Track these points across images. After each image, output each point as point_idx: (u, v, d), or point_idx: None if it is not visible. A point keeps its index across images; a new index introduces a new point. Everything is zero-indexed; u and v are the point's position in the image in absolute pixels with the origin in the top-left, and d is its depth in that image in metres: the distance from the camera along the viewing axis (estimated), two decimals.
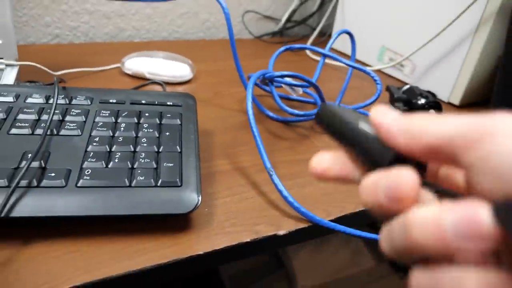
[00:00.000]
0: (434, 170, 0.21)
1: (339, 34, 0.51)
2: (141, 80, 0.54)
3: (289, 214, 0.34)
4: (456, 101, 0.59)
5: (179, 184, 0.31)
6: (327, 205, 0.35)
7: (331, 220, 0.34)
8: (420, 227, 0.15)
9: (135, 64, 0.55)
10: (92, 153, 0.32)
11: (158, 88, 0.54)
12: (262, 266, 0.74)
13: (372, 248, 0.80)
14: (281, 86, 0.49)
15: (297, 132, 0.47)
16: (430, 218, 0.15)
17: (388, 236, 0.17)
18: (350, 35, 0.52)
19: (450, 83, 0.59)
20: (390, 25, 0.66)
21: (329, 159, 0.20)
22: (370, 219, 0.38)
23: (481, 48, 0.54)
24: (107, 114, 0.36)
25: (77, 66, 0.54)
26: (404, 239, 0.16)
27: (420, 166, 0.19)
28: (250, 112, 0.38)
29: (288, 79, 0.46)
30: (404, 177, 0.16)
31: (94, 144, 0.33)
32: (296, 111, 0.44)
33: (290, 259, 0.74)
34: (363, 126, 0.20)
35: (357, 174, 0.20)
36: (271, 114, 0.48)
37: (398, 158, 0.18)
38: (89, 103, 0.37)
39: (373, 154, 0.19)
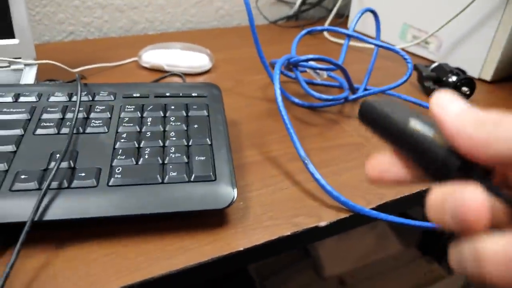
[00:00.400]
0: (502, 172, 0.17)
1: (362, 13, 0.49)
2: (160, 73, 0.53)
3: (328, 204, 0.32)
4: (487, 77, 0.56)
5: (213, 178, 0.30)
6: (365, 193, 0.34)
7: (373, 208, 0.32)
8: (493, 265, 0.14)
9: (153, 56, 0.54)
10: (120, 150, 0.31)
11: (177, 80, 0.52)
12: (288, 256, 0.73)
13: (399, 232, 0.79)
14: (306, 71, 0.48)
15: (325, 117, 0.45)
16: (501, 255, 0.14)
17: (459, 260, 0.15)
18: (374, 13, 0.50)
19: (481, 58, 0.56)
20: (412, 0, 0.63)
21: (385, 162, 0.18)
22: (410, 206, 0.36)
23: None
24: (132, 109, 0.35)
25: (94, 62, 0.53)
26: (477, 272, 0.14)
27: (488, 172, 0.16)
28: (279, 99, 0.36)
29: (313, 63, 0.44)
30: (473, 200, 0.14)
31: (122, 140, 0.32)
32: (324, 96, 0.42)
33: (316, 247, 0.73)
34: (416, 125, 0.17)
35: (417, 176, 0.18)
36: (297, 100, 0.46)
37: (466, 165, 0.15)
38: (113, 98, 0.36)
39: (433, 161, 0.16)
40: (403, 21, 0.66)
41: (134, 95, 0.37)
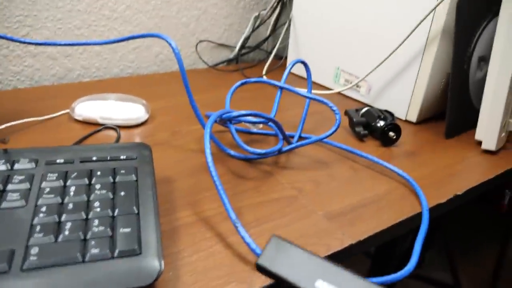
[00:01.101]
0: None
1: (293, 65, 0.51)
2: (93, 126, 0.52)
3: None
4: (413, 118, 0.60)
5: (139, 252, 0.29)
6: None
7: None
8: None
9: (86, 109, 0.53)
10: (39, 226, 0.29)
11: (112, 133, 0.51)
12: None
13: None
14: (241, 122, 0.48)
15: (261, 169, 0.46)
16: None
17: None
18: (305, 64, 0.52)
19: (406, 101, 0.60)
20: (343, 47, 0.67)
21: None
22: (347, 260, 0.37)
23: (430, 66, 0.56)
24: (54, 178, 0.33)
25: (22, 116, 0.50)
26: None
27: None
28: (209, 159, 0.36)
29: (247, 117, 0.45)
30: None
31: (41, 215, 0.30)
32: (257, 150, 0.43)
33: None
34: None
35: None
36: (232, 152, 0.47)
37: None
38: (34, 166, 0.35)
39: None
40: (336, 65, 0.69)
41: (58, 161, 0.35)
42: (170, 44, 0.42)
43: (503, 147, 0.55)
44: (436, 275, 1.23)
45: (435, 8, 0.52)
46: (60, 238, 0.29)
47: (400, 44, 0.56)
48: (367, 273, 1.09)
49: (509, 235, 1.02)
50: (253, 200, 0.40)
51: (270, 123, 0.52)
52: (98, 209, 0.31)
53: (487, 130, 0.52)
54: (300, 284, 0.17)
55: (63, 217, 0.30)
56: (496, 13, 0.56)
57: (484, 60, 0.59)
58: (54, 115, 0.54)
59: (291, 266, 0.17)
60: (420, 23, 0.54)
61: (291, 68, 0.51)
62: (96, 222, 0.30)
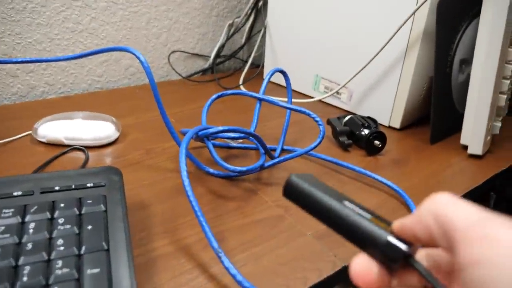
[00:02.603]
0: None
1: (271, 75, 0.48)
2: (59, 148, 0.48)
3: None
4: (396, 124, 0.59)
5: None
6: (288, 279, 0.31)
7: None
8: None
9: (50, 129, 0.48)
10: None
11: (80, 155, 0.47)
12: None
13: None
14: (219, 137, 0.45)
15: (243, 187, 0.43)
16: None
17: None
18: (284, 73, 0.49)
19: (388, 107, 0.58)
20: (321, 53, 0.65)
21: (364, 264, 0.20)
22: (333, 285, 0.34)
23: (412, 71, 0.54)
24: (10, 214, 0.29)
25: None
26: None
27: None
28: (187, 182, 0.33)
29: (226, 133, 0.42)
30: (354, 269, 0.20)
31: None
32: (238, 168, 0.40)
33: None
34: (350, 208, 0.20)
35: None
36: (211, 170, 0.44)
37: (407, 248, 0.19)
38: None
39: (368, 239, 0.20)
40: (315, 72, 0.67)
41: (15, 193, 0.31)
42: (138, 58, 0.39)
43: (488, 150, 0.54)
44: None
45: (415, 12, 0.51)
46: (18, 286, 0.25)
47: (381, 49, 0.55)
48: None
49: None
50: (236, 222, 0.37)
51: (250, 138, 0.49)
52: (62, 248, 0.27)
53: (473, 135, 0.51)
54: (331, 201, 0.20)
55: (21, 260, 0.26)
56: (476, 15, 0.55)
57: (466, 62, 0.58)
58: (15, 137, 0.49)
59: (318, 188, 0.21)
60: (400, 27, 0.52)
61: (269, 78, 0.48)
62: (60, 263, 0.26)
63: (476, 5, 0.51)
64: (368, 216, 0.20)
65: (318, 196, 0.21)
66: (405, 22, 0.52)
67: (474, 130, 0.50)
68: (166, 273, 0.31)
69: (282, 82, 0.75)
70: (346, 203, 0.20)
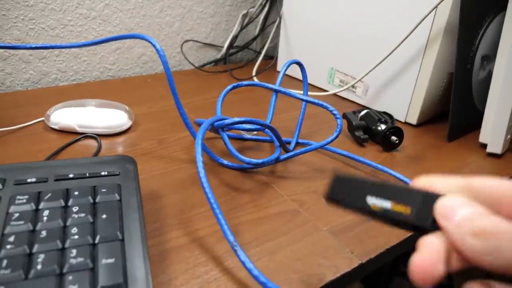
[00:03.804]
0: None
1: (288, 66, 0.47)
2: (71, 136, 0.47)
3: None
4: (413, 121, 0.57)
5: (124, 287, 0.25)
6: (303, 274, 0.31)
7: None
8: None
9: (63, 116, 0.48)
10: (5, 260, 0.25)
11: (92, 143, 0.46)
12: None
13: None
14: (234, 129, 0.45)
15: (257, 180, 0.42)
16: None
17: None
18: (300, 65, 0.48)
19: (406, 102, 0.57)
20: (337, 46, 0.64)
21: (427, 261, 0.17)
22: (349, 283, 0.34)
23: (432, 66, 0.53)
24: (24, 200, 0.29)
25: None
26: None
27: None
28: (202, 174, 0.32)
29: (241, 125, 0.41)
30: (415, 263, 0.17)
31: (8, 246, 0.26)
32: (253, 160, 0.39)
33: None
34: (374, 203, 0.20)
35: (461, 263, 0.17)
36: (225, 162, 0.43)
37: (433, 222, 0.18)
38: (1, 187, 0.30)
39: (405, 226, 0.19)
40: (330, 65, 0.66)
41: (29, 180, 0.31)
42: (154, 46, 0.38)
43: (508, 149, 0.53)
44: None
45: (437, 5, 0.49)
46: (32, 273, 0.24)
47: (401, 43, 0.53)
48: None
49: None
50: (250, 215, 0.37)
51: (265, 130, 0.48)
52: (76, 237, 0.27)
53: (493, 133, 0.49)
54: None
55: (35, 248, 0.26)
56: (500, 10, 0.53)
57: (488, 59, 0.56)
58: (27, 124, 0.49)
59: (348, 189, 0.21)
60: (422, 21, 0.51)
61: (286, 69, 0.47)
62: (74, 252, 0.26)
63: (501, 0, 0.49)
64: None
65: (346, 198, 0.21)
66: (426, 16, 0.50)
67: (494, 128, 0.49)
68: (180, 265, 0.30)
69: (296, 74, 0.74)
70: (369, 199, 0.20)
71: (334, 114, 0.42)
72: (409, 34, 0.52)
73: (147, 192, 0.38)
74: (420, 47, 0.53)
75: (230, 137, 0.49)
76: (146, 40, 0.39)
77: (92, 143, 0.47)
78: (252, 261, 0.31)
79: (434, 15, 0.51)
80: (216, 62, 0.79)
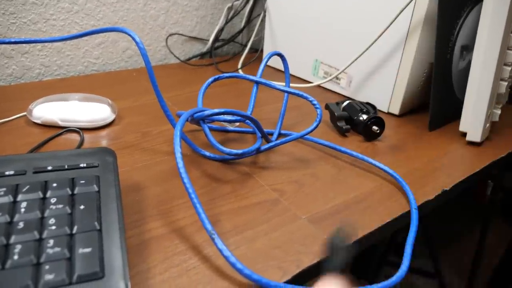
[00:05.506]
0: None
1: (269, 58, 0.47)
2: (54, 130, 0.47)
3: (240, 283, 0.29)
4: (395, 111, 0.58)
5: (101, 275, 0.25)
6: (281, 261, 0.31)
7: (288, 281, 0.29)
8: None
9: (45, 111, 0.48)
10: None
11: (75, 137, 0.47)
12: None
13: None
14: (216, 120, 0.45)
15: (238, 170, 0.42)
16: None
17: None
18: (281, 56, 0.49)
19: (388, 93, 0.58)
20: (321, 38, 0.64)
21: None
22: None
23: (413, 57, 0.53)
24: (2, 193, 0.29)
25: None
26: None
27: None
28: (181, 164, 0.32)
29: (221, 116, 0.41)
30: None
31: None
32: (234, 151, 0.40)
33: None
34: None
35: None
36: (207, 153, 0.43)
37: None
38: None
39: None
40: (314, 57, 0.67)
41: (7, 173, 0.31)
42: (133, 38, 0.39)
43: (487, 138, 0.54)
44: (417, 263, 1.23)
45: None
46: (8, 264, 0.25)
47: (381, 34, 0.54)
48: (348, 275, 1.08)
49: (488, 223, 1.03)
50: (231, 205, 0.37)
51: (247, 121, 0.49)
52: (54, 227, 0.27)
53: (472, 122, 0.50)
54: None
55: (12, 239, 0.26)
56: (478, 1, 0.54)
57: (467, 49, 0.57)
58: (10, 118, 0.49)
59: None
60: (401, 12, 0.51)
61: (267, 61, 0.48)
62: (51, 242, 0.26)
63: None
64: None
65: None
66: (406, 7, 0.51)
67: (473, 117, 0.50)
68: (159, 254, 0.31)
69: (281, 66, 0.74)
70: None
71: (314, 104, 0.42)
72: (389, 25, 0.53)
73: (129, 184, 0.39)
74: (401, 38, 0.54)
75: (213, 129, 0.49)
76: (126, 33, 0.39)
77: (75, 137, 0.47)
78: (230, 249, 0.32)
79: (414, 5, 0.51)
80: (202, 55, 0.79)
